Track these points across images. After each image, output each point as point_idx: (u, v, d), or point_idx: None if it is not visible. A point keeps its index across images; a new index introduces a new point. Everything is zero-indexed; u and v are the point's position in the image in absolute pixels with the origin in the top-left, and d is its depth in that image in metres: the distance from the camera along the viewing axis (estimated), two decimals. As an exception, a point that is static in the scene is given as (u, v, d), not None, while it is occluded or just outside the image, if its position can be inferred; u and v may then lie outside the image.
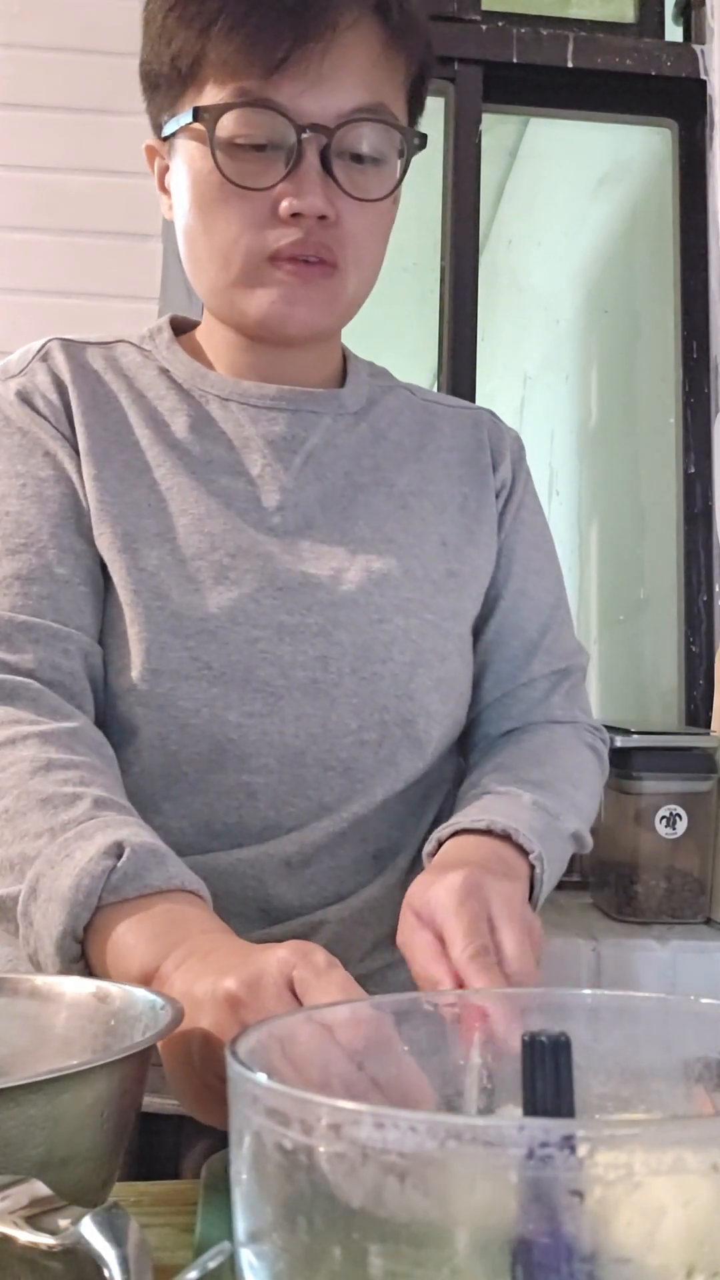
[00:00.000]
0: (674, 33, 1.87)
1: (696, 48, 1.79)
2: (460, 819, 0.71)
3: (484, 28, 1.74)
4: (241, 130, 0.71)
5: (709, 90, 1.78)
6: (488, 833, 0.69)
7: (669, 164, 1.86)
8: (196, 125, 0.72)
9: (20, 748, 0.64)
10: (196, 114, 0.71)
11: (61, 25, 1.45)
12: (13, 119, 1.44)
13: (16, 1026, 0.50)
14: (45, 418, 0.77)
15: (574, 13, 1.90)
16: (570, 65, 1.75)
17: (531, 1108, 0.31)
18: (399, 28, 0.73)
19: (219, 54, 0.70)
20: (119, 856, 0.58)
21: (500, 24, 1.75)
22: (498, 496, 0.88)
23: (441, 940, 0.58)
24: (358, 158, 0.73)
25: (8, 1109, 0.37)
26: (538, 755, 0.81)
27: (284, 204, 0.71)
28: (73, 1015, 0.50)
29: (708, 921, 1.40)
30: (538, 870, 0.69)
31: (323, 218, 0.72)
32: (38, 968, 0.60)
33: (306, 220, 0.71)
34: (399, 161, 0.76)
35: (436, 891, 0.60)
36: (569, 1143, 0.25)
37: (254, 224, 0.72)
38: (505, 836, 0.69)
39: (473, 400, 1.71)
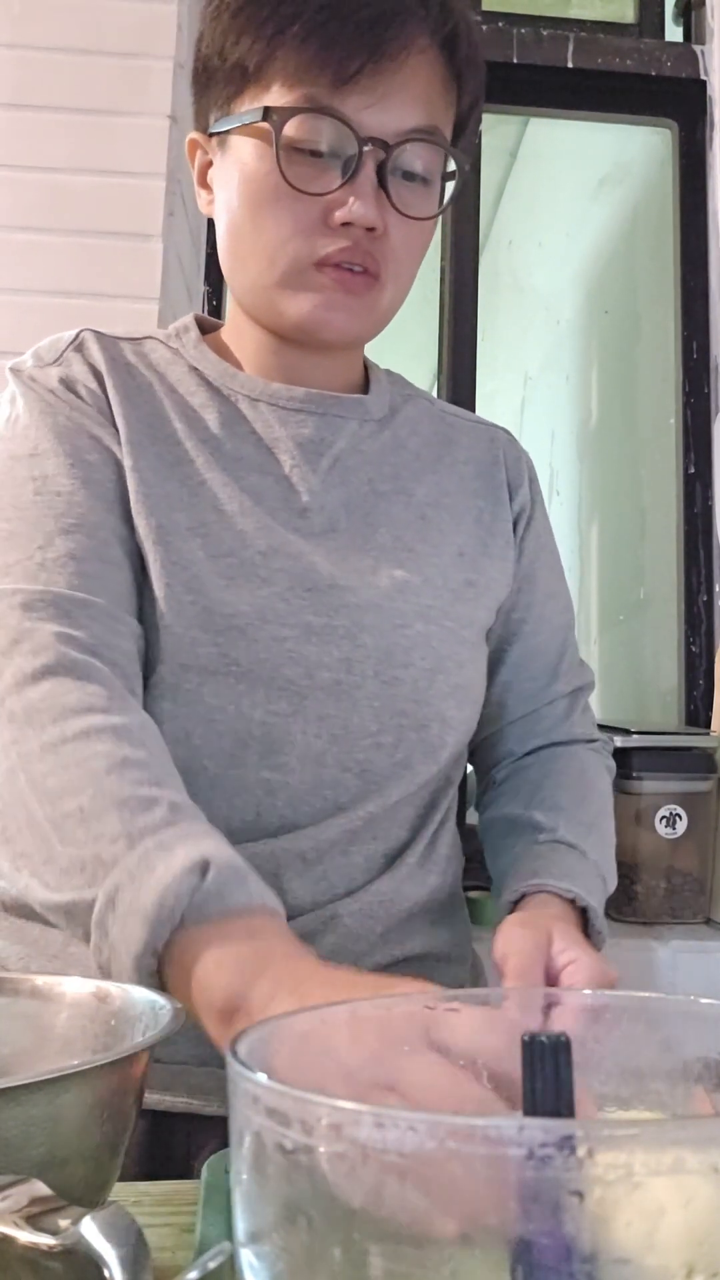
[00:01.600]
0: (674, 33, 1.87)
1: (697, 48, 1.79)
2: (546, 878, 0.75)
3: (484, 28, 1.74)
4: (306, 136, 0.72)
5: (709, 91, 1.78)
6: (570, 901, 0.75)
7: (669, 164, 1.86)
8: (261, 125, 0.73)
9: (95, 741, 0.62)
10: (266, 114, 0.72)
11: (64, 26, 1.45)
12: (14, 119, 1.44)
13: (17, 1026, 0.50)
14: (88, 403, 0.77)
15: (574, 13, 1.90)
16: (570, 65, 1.75)
17: (531, 1108, 0.31)
18: (463, 63, 0.76)
19: (290, 59, 0.71)
20: (204, 874, 0.56)
21: (500, 24, 1.75)
22: (518, 520, 0.90)
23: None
24: (409, 175, 0.75)
25: (8, 1109, 0.37)
26: (580, 792, 0.86)
27: (338, 212, 0.73)
28: (73, 1015, 0.50)
29: (708, 921, 1.40)
30: (597, 943, 0.76)
31: (371, 229, 0.73)
32: (108, 977, 0.57)
33: (356, 230, 0.73)
34: (443, 185, 0.78)
35: (578, 971, 0.64)
36: (569, 1143, 0.25)
37: (304, 228, 0.73)
38: (583, 910, 0.75)
39: (473, 400, 1.71)
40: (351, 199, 0.72)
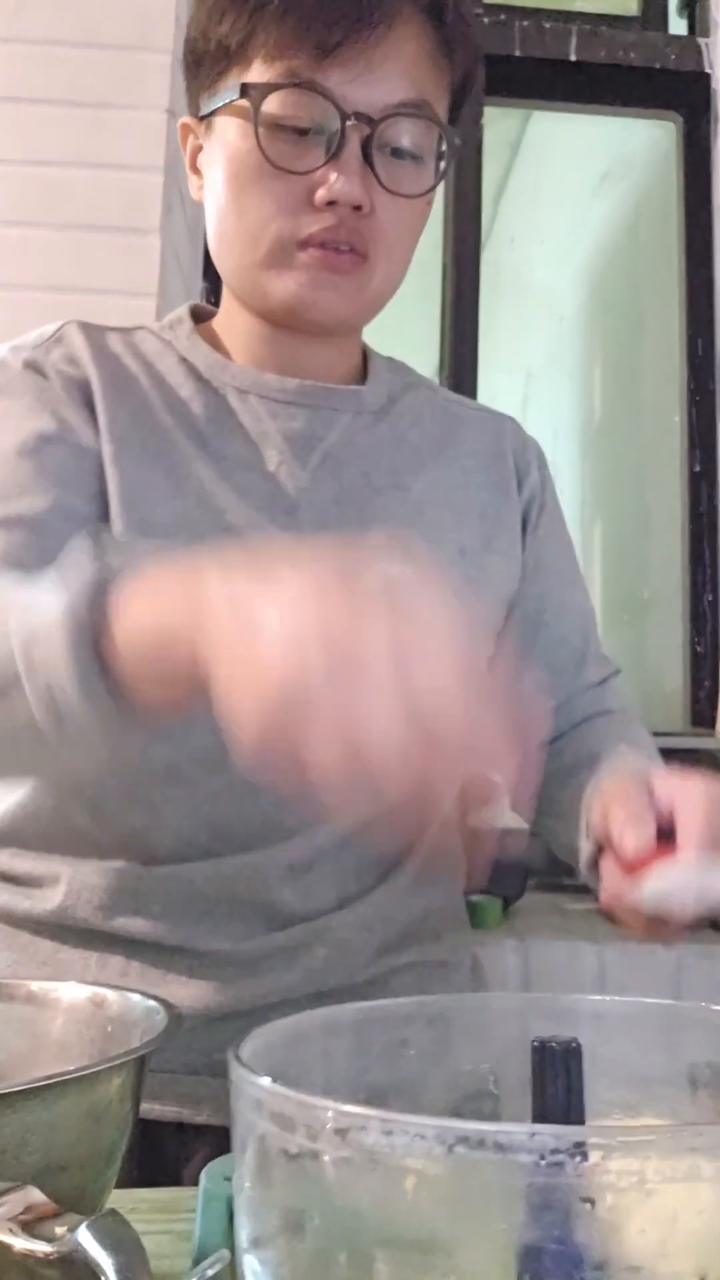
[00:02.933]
0: (678, 26, 1.87)
1: (701, 41, 1.79)
2: (625, 752, 0.76)
3: (486, 20, 1.74)
4: (287, 112, 0.71)
5: (713, 84, 1.78)
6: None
7: (673, 158, 1.85)
8: (240, 103, 0.72)
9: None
10: (244, 90, 0.71)
11: (60, 19, 1.45)
12: (11, 113, 1.44)
13: (13, 1032, 0.49)
14: (57, 387, 0.76)
15: (577, 6, 1.90)
16: (573, 59, 1.74)
17: (541, 1114, 0.30)
18: (451, 31, 0.73)
19: (270, 34, 0.70)
20: (102, 559, 0.52)
21: (503, 17, 1.75)
22: (529, 508, 0.89)
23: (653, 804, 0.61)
24: (398, 152, 0.73)
25: (4, 1115, 0.37)
26: (630, 737, 0.84)
27: (321, 190, 0.71)
28: (69, 1021, 0.49)
29: (715, 926, 1.39)
30: None
31: (358, 208, 0.71)
32: (56, 718, 0.51)
33: (341, 209, 0.71)
34: (436, 162, 0.76)
35: (684, 784, 0.62)
36: (580, 1149, 0.24)
37: (288, 207, 0.72)
38: None
39: (475, 398, 1.71)
40: (334, 176, 0.70)
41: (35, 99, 1.43)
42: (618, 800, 0.64)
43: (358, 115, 0.70)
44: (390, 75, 0.70)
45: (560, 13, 1.80)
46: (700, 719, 1.72)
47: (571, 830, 0.77)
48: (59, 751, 0.55)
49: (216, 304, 0.86)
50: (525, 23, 1.75)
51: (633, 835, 0.61)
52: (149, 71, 1.44)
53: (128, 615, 0.49)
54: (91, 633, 0.50)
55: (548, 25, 1.75)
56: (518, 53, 1.74)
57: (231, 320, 0.82)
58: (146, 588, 0.50)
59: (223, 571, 0.47)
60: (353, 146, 0.70)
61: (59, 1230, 0.32)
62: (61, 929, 0.72)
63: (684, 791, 0.63)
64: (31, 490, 0.71)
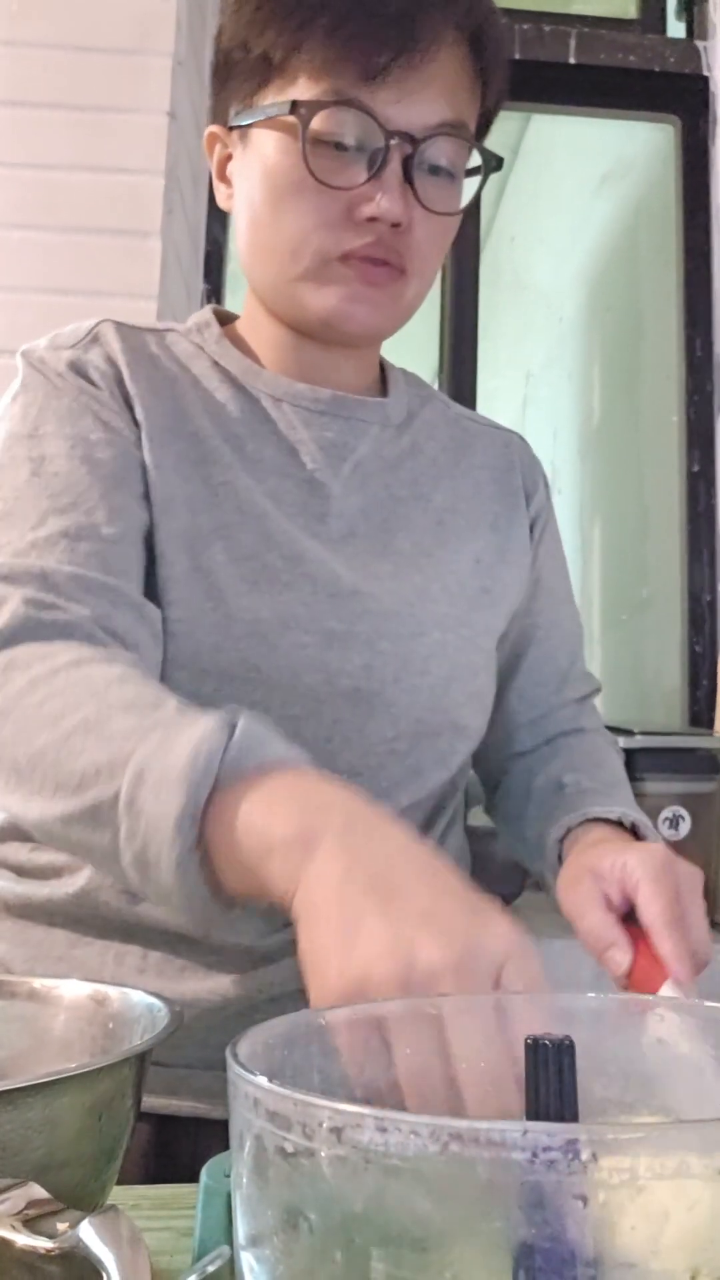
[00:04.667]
0: (676, 29, 1.87)
1: (699, 44, 1.79)
2: (587, 809, 0.76)
3: (486, 24, 1.74)
4: (332, 129, 0.71)
5: (712, 86, 1.78)
6: (618, 824, 0.75)
7: (672, 160, 1.85)
8: (287, 118, 0.72)
9: (88, 667, 0.60)
10: (294, 107, 0.72)
11: (62, 22, 1.45)
12: (12, 116, 1.44)
13: (15, 1029, 0.50)
14: (100, 388, 0.76)
15: (576, 9, 1.90)
16: (572, 61, 1.74)
17: (535, 1112, 0.31)
18: (489, 60, 0.76)
19: (317, 52, 0.70)
20: (232, 730, 0.52)
21: (503, 20, 1.75)
22: (533, 525, 0.91)
23: (610, 905, 0.64)
24: (435, 170, 0.74)
25: (6, 1112, 0.37)
26: (594, 757, 0.87)
27: (366, 207, 0.72)
28: (71, 1018, 0.49)
29: (711, 923, 1.39)
30: None
31: (396, 225, 0.72)
32: (142, 869, 0.52)
33: (381, 225, 0.72)
34: (477, 179, 0.78)
35: (634, 859, 0.65)
36: (573, 1147, 0.25)
37: (328, 222, 0.73)
38: (633, 829, 0.75)
39: (474, 399, 1.71)
40: (379, 194, 0.71)
41: (36, 102, 1.43)
42: (656, 874, 0.65)
43: (400, 135, 0.71)
44: (432, 97, 0.72)
45: (560, 16, 1.80)
46: (698, 718, 1.72)
47: (536, 859, 0.82)
48: (131, 883, 0.54)
49: (218, 306, 0.86)
50: (525, 26, 1.75)
51: (611, 960, 0.63)
52: (150, 75, 1.44)
53: (240, 813, 0.49)
54: (201, 812, 0.50)
55: (547, 28, 1.75)
56: (518, 55, 1.74)
57: (257, 328, 0.82)
58: (267, 793, 0.49)
59: (347, 823, 0.47)
60: (394, 165, 0.72)
61: (60, 1227, 0.32)
62: (80, 919, 0.72)
63: (633, 871, 0.65)
64: (88, 497, 0.71)
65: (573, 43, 1.75)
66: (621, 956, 0.62)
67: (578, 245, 2.24)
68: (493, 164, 0.79)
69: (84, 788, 0.54)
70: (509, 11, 1.77)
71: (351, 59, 0.70)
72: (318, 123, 0.71)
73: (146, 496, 0.74)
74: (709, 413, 1.78)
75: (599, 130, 2.04)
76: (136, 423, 0.75)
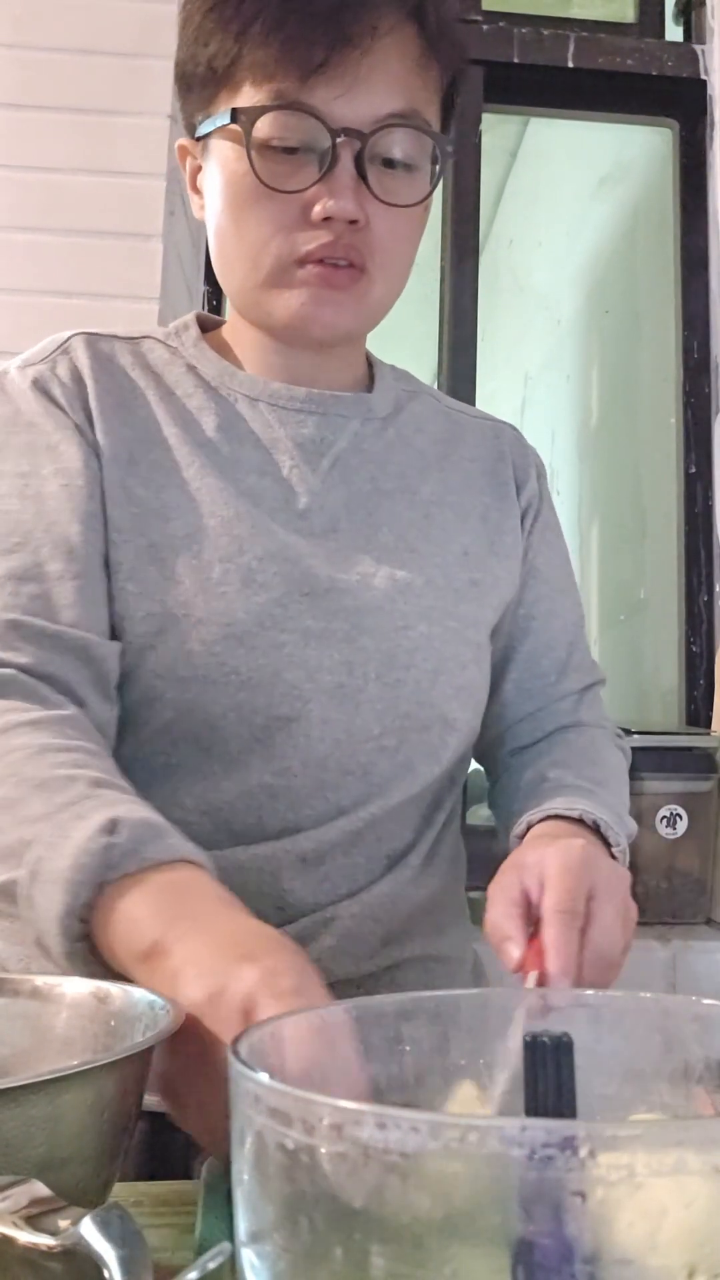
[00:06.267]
0: (674, 32, 1.87)
1: (697, 47, 1.79)
2: (550, 805, 0.74)
3: (485, 28, 1.74)
4: (276, 133, 0.71)
5: (709, 90, 1.78)
6: (578, 821, 0.73)
7: (670, 164, 1.86)
8: (232, 126, 0.72)
9: (14, 736, 0.63)
10: (234, 115, 0.72)
11: (64, 26, 1.45)
12: (14, 119, 1.44)
13: (17, 1027, 0.50)
14: (61, 407, 0.76)
15: (575, 13, 1.90)
16: (571, 65, 1.75)
17: (533, 1108, 0.31)
18: (435, 35, 0.73)
19: (256, 56, 0.70)
20: (113, 832, 0.57)
21: (501, 24, 1.75)
22: (525, 515, 0.89)
23: (528, 901, 0.61)
24: (390, 163, 0.73)
25: (8, 1109, 0.37)
26: (589, 755, 0.84)
27: (316, 208, 0.71)
28: (73, 1015, 0.50)
29: (708, 922, 1.40)
30: (620, 862, 0.73)
31: (353, 222, 0.72)
32: (44, 951, 0.59)
33: (337, 224, 0.72)
34: (431, 168, 0.76)
35: (552, 851, 0.63)
36: (571, 1144, 0.25)
37: (284, 226, 0.72)
38: (594, 828, 0.73)
39: (473, 401, 1.71)
40: (328, 193, 0.71)
41: (38, 105, 1.43)
42: (564, 868, 0.63)
43: (347, 131, 0.70)
44: (377, 88, 0.71)
45: (558, 20, 1.80)
46: (695, 718, 1.73)
47: None
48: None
49: (219, 308, 0.86)
50: (524, 30, 1.75)
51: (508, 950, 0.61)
52: (151, 78, 1.44)
53: (115, 914, 0.56)
54: (87, 907, 0.56)
55: (546, 32, 1.75)
56: (516, 59, 1.74)
57: (239, 332, 0.83)
58: (138, 897, 0.56)
59: (182, 931, 0.53)
60: (344, 162, 0.71)
61: (62, 1224, 0.32)
62: None
63: (548, 865, 0.62)
64: (34, 536, 0.72)
65: (571, 46, 1.75)
66: (514, 949, 0.59)
67: (576, 248, 2.24)
68: (446, 150, 0.76)
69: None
70: (508, 16, 1.77)
71: (290, 60, 0.69)
72: (263, 128, 0.71)
73: (104, 518, 0.74)
74: (706, 415, 1.78)
75: (597, 134, 2.04)
76: (97, 442, 0.76)
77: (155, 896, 0.55)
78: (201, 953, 0.51)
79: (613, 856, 0.72)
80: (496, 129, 2.07)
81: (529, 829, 0.74)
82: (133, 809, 0.59)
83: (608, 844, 0.73)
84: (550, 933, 0.58)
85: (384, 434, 0.84)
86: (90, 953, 0.57)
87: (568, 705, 0.89)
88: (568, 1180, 0.25)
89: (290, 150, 0.71)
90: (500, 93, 1.76)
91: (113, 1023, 0.48)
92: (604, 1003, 0.42)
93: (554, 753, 0.85)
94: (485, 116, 1.74)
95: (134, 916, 0.55)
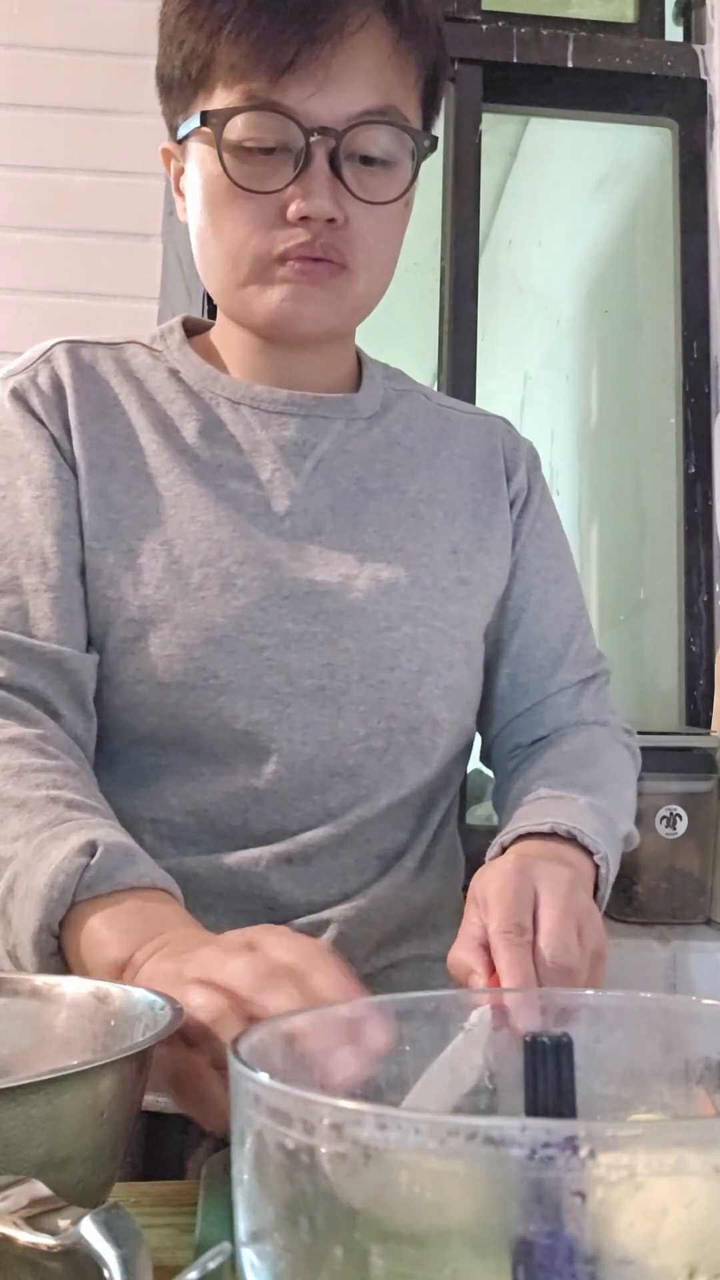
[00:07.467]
0: (674, 32, 1.87)
1: (697, 48, 1.79)
2: (521, 823, 0.72)
3: (484, 27, 1.74)
4: (250, 134, 0.71)
5: (709, 90, 1.78)
6: (551, 835, 0.71)
7: (669, 164, 1.86)
8: (205, 129, 0.72)
9: None
10: (204, 118, 0.71)
11: (63, 26, 1.45)
12: (13, 119, 1.44)
13: (17, 1026, 0.50)
14: (38, 417, 0.77)
15: (574, 13, 1.90)
16: (570, 65, 1.74)
17: (533, 1108, 0.31)
18: (409, 28, 0.73)
19: (227, 57, 0.70)
20: (92, 855, 0.60)
21: (500, 24, 1.75)
22: (513, 505, 0.88)
23: (484, 929, 0.60)
24: (367, 160, 0.73)
25: (8, 1109, 0.37)
26: (582, 757, 0.82)
27: (292, 207, 0.71)
28: (73, 1015, 0.50)
29: (708, 922, 1.40)
30: (602, 870, 0.71)
31: (331, 220, 0.72)
32: (16, 964, 0.62)
33: (315, 223, 0.71)
34: (410, 163, 0.75)
35: (489, 874, 0.63)
36: (571, 1143, 0.25)
37: (262, 226, 0.72)
38: (570, 838, 0.71)
39: (473, 400, 1.71)
40: (302, 193, 0.71)
41: (37, 104, 1.44)
42: (501, 885, 0.62)
43: (321, 129, 0.70)
44: (350, 85, 0.70)
45: (558, 20, 1.80)
46: (695, 718, 1.73)
47: None
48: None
49: (216, 307, 0.86)
50: (523, 30, 1.75)
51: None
52: (150, 77, 1.43)
53: (85, 932, 0.58)
54: (60, 925, 0.59)
55: (545, 32, 1.75)
56: (515, 59, 1.74)
57: (225, 335, 0.83)
58: (108, 917, 0.58)
59: (153, 949, 0.56)
60: (319, 161, 0.71)
61: (62, 1224, 0.32)
62: None
63: (483, 891, 0.62)
64: (9, 549, 0.73)
65: (570, 47, 1.75)
66: (478, 981, 0.58)
67: (575, 248, 2.24)
68: (422, 145, 0.75)
69: None
70: (506, 15, 1.77)
71: (260, 60, 0.69)
72: (236, 130, 0.71)
73: (80, 526, 0.74)
74: (706, 415, 1.78)
75: (596, 134, 2.04)
76: (74, 451, 0.76)
77: (125, 919, 0.58)
78: (167, 967, 0.53)
79: (595, 865, 0.71)
80: (496, 129, 2.07)
81: (503, 850, 0.72)
82: (109, 833, 0.62)
83: (589, 852, 0.71)
84: (499, 958, 0.57)
85: (369, 433, 0.84)
86: (62, 969, 0.59)
87: (566, 699, 0.87)
88: (568, 1180, 0.25)
89: (268, 150, 0.71)
90: (499, 93, 1.75)
91: (113, 1023, 0.48)
92: (604, 1003, 0.42)
93: (545, 759, 0.83)
94: (485, 116, 1.74)
95: (103, 936, 0.57)
